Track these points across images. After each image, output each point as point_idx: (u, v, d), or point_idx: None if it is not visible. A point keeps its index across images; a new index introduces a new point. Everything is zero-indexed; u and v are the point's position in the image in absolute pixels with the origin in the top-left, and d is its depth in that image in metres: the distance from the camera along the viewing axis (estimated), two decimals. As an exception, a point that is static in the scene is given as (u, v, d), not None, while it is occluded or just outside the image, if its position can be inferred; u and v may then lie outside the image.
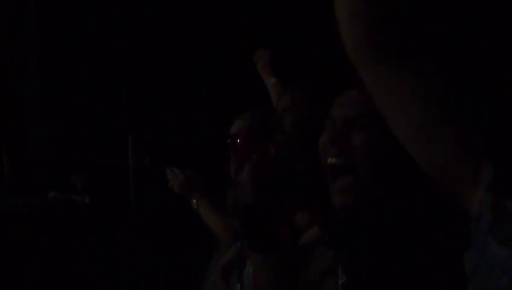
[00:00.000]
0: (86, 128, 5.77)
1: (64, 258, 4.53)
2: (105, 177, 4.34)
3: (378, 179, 0.90)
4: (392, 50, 0.64)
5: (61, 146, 5.84)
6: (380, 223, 0.89)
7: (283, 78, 2.01)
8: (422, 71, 0.64)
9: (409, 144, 0.65)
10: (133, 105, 5.71)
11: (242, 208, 1.11)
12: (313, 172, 1.06)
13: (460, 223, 0.63)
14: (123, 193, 4.30)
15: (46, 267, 4.27)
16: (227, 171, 1.57)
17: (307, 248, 1.13)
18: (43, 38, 5.78)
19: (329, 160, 0.93)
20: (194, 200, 1.80)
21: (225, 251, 1.70)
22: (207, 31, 5.07)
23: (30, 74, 6.00)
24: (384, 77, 0.65)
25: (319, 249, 1.10)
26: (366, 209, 0.91)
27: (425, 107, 0.63)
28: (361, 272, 0.89)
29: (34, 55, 5.90)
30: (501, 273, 0.55)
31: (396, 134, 0.66)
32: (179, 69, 5.45)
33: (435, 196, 0.67)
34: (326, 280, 1.09)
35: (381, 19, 0.64)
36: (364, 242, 0.90)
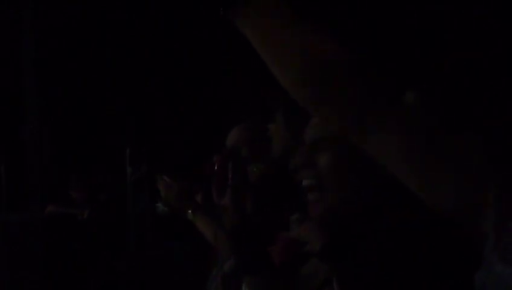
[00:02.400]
0: (83, 141, 5.76)
1: (63, 271, 4.51)
2: (103, 190, 4.34)
3: (346, 195, 0.93)
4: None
5: (59, 159, 5.83)
6: (373, 235, 0.89)
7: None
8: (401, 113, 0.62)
9: (406, 180, 0.64)
10: (129, 117, 5.71)
11: (229, 232, 1.12)
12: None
13: (467, 243, 0.63)
14: (121, 206, 4.29)
15: (44, 280, 4.25)
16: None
17: (299, 263, 1.13)
18: (40, 50, 5.78)
19: (303, 182, 0.98)
20: (190, 212, 1.77)
21: (224, 260, 1.69)
22: (203, 41, 5.08)
23: (27, 86, 6.00)
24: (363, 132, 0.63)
25: (312, 262, 1.10)
26: (353, 222, 0.92)
27: (416, 144, 0.62)
28: (356, 284, 0.89)
29: (30, 67, 5.90)
30: None
31: (390, 170, 0.64)
32: (174, 77, 5.46)
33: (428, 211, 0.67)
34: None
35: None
36: (357, 254, 0.90)
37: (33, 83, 5.92)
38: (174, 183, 1.77)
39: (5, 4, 5.74)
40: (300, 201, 1.23)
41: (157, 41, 5.48)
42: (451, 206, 0.61)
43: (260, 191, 1.36)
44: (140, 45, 5.53)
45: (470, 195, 0.60)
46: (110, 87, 5.72)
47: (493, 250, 0.58)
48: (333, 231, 1.01)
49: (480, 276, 0.60)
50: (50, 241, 4.39)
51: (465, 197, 0.60)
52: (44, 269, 4.29)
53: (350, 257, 0.93)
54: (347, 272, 0.94)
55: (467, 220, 0.62)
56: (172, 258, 4.99)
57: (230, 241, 1.11)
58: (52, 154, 5.96)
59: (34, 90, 5.91)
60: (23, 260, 4.20)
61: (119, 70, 5.62)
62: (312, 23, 0.59)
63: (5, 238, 4.24)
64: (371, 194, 0.91)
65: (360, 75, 0.62)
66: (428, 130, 0.62)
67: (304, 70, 0.61)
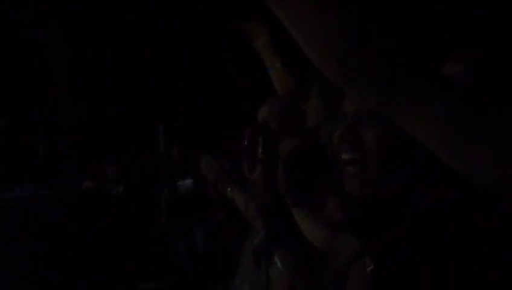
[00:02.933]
0: (116, 118, 5.84)
1: (97, 245, 4.63)
2: (137, 166, 4.41)
3: (388, 171, 0.91)
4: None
5: (93, 137, 5.94)
6: (407, 212, 0.88)
7: (288, 62, 1.83)
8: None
9: (444, 155, 0.63)
10: (162, 93, 5.75)
11: (258, 207, 1.12)
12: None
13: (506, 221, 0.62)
14: (155, 181, 4.37)
15: (78, 256, 4.37)
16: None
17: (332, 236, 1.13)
18: (71, 33, 5.85)
19: (342, 156, 0.95)
20: (229, 189, 1.80)
21: (256, 234, 1.72)
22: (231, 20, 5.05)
23: (58, 68, 6.10)
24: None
25: (345, 236, 1.10)
26: (385, 199, 0.91)
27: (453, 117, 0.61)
28: (388, 259, 0.89)
29: (61, 50, 5.99)
30: None
31: (428, 145, 0.63)
32: (205, 55, 5.46)
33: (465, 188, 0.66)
34: (353, 266, 1.09)
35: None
36: (388, 229, 0.90)
37: (65, 65, 6.02)
38: (214, 162, 1.80)
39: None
40: (333, 175, 1.22)
41: (190, 20, 5.47)
42: (488, 179, 0.61)
43: (291, 164, 1.35)
44: (172, 24, 5.54)
45: (508, 168, 0.59)
46: (143, 64, 5.76)
47: None
48: (367, 206, 1.01)
49: None
50: (86, 215, 4.51)
51: (503, 170, 0.60)
52: (80, 243, 4.42)
53: (382, 233, 0.93)
54: (379, 247, 0.94)
55: (504, 193, 0.61)
56: (204, 234, 5.06)
57: (260, 215, 1.12)
58: (87, 131, 6.08)
59: (66, 70, 6.01)
60: (61, 235, 4.33)
61: (153, 48, 5.65)
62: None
63: (44, 214, 4.37)
64: (408, 172, 0.90)
65: (395, 50, 0.61)
66: (466, 104, 0.61)
67: (335, 46, 0.61)
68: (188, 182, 4.58)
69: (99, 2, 5.64)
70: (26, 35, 6.00)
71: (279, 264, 1.37)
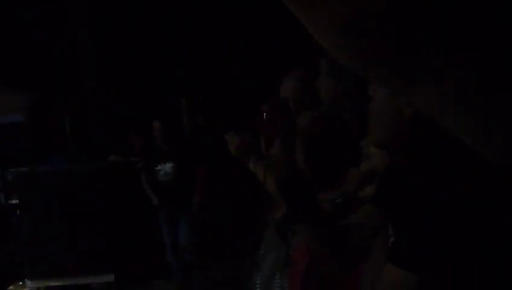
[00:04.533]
0: (140, 94, 5.88)
1: (123, 221, 4.71)
2: (160, 141, 4.44)
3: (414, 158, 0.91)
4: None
5: (118, 112, 6.01)
6: (426, 183, 0.89)
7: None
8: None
9: (464, 136, 0.63)
10: (185, 69, 5.76)
11: (278, 182, 1.12)
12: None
13: None
14: (179, 155, 4.40)
15: (106, 229, 4.47)
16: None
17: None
18: (94, 13, 5.86)
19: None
20: (251, 163, 1.81)
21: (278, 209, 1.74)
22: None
23: (84, 48, 6.15)
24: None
25: (368, 208, 1.11)
26: (407, 170, 0.91)
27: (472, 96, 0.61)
28: (409, 232, 0.89)
29: (85, 30, 6.02)
30: None
31: (447, 125, 0.64)
32: (226, 31, 5.43)
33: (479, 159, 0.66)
34: (376, 236, 1.10)
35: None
36: (411, 201, 0.90)
37: (89, 45, 6.06)
38: (236, 136, 1.81)
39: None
40: (353, 150, 1.23)
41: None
42: (500, 153, 0.61)
43: (311, 140, 1.36)
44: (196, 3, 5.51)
45: None
46: (165, 41, 5.76)
47: None
48: (394, 183, 1.01)
49: None
50: (112, 187, 4.60)
51: None
52: (107, 214, 4.51)
53: (404, 206, 0.94)
54: (401, 219, 0.95)
55: None
56: (228, 207, 5.10)
57: (279, 190, 1.12)
58: (112, 108, 6.15)
59: (90, 51, 6.05)
60: (87, 209, 4.43)
61: (174, 26, 5.64)
62: None
63: (73, 186, 4.47)
64: (434, 166, 0.90)
65: (413, 30, 0.60)
66: (485, 84, 0.61)
67: (346, 23, 0.61)
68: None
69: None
70: (49, 17, 6.05)
71: (299, 238, 1.39)
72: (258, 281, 1.84)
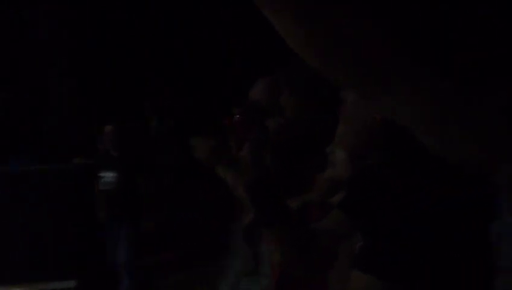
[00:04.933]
0: (108, 95, 5.81)
1: (85, 226, 4.60)
2: (131, 137, 4.36)
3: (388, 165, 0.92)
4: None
5: (86, 114, 5.91)
6: (394, 188, 0.89)
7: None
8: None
9: (428, 140, 0.64)
10: (154, 70, 5.72)
11: (247, 185, 1.11)
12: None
13: (484, 196, 0.64)
14: (146, 158, 4.35)
15: (67, 234, 4.38)
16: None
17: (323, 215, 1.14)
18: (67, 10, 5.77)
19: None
20: (220, 168, 1.78)
21: (245, 213, 1.72)
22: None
23: (51, 43, 6.03)
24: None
25: (336, 214, 1.11)
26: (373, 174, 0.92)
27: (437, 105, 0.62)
28: (381, 238, 0.89)
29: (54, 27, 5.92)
30: None
31: (413, 130, 0.65)
32: (195, 33, 5.41)
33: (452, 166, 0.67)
34: (343, 242, 1.10)
35: None
36: (384, 207, 0.90)
37: (57, 42, 5.96)
38: (205, 141, 1.78)
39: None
40: (320, 157, 1.22)
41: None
42: (470, 161, 0.62)
43: (281, 146, 1.35)
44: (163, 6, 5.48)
45: (487, 151, 0.61)
46: (135, 41, 5.71)
47: (506, 202, 0.60)
48: (358, 188, 1.01)
49: (496, 226, 0.63)
50: (73, 190, 4.51)
51: (483, 153, 0.61)
52: (69, 219, 4.43)
53: (372, 213, 0.94)
54: (369, 227, 0.95)
55: (484, 173, 0.63)
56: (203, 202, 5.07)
57: (248, 194, 1.11)
58: (80, 110, 6.04)
59: (58, 47, 5.95)
60: (50, 211, 4.34)
61: (145, 25, 5.59)
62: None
63: (34, 189, 4.37)
64: (411, 171, 0.90)
65: (383, 38, 0.61)
66: (448, 93, 0.62)
67: (316, 33, 0.60)
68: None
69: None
70: (20, 13, 5.92)
71: (267, 243, 1.38)
72: (224, 289, 1.82)
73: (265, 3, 0.58)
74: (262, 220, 1.11)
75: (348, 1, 0.58)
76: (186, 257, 4.87)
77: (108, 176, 3.91)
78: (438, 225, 0.82)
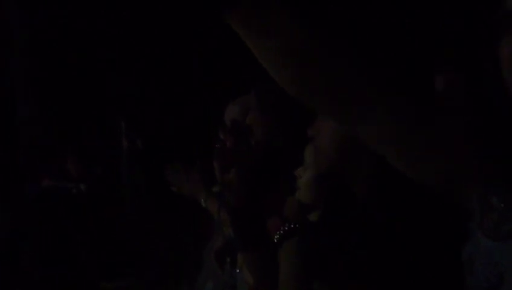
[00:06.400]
0: (77, 114, 5.73)
1: (58, 244, 4.53)
2: (98, 163, 4.33)
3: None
4: None
5: (53, 133, 5.81)
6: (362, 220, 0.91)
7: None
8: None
9: (397, 163, 0.66)
10: (125, 88, 5.67)
11: (231, 210, 1.11)
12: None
13: (455, 219, 0.66)
14: (117, 179, 4.30)
15: (40, 254, 4.29)
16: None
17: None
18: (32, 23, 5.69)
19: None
20: (202, 200, 1.73)
21: (220, 234, 1.71)
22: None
23: (16, 63, 5.93)
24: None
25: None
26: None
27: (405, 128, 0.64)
28: (348, 255, 0.90)
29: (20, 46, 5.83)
30: (487, 263, 0.59)
31: (381, 152, 0.67)
32: (168, 51, 5.40)
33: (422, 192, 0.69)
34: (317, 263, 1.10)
35: None
36: (340, 231, 0.91)
37: (23, 62, 5.87)
38: (186, 174, 1.73)
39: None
40: (289, 181, 1.23)
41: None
42: (439, 183, 0.64)
43: (246, 169, 1.34)
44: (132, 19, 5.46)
45: (457, 173, 0.63)
46: (105, 58, 5.65)
47: (478, 225, 0.62)
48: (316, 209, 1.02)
49: (467, 249, 0.64)
50: (45, 215, 4.42)
51: (452, 175, 0.63)
52: (40, 242, 4.33)
53: (332, 234, 0.94)
54: (330, 248, 0.95)
55: (454, 196, 0.65)
56: (170, 231, 5.02)
57: (232, 218, 1.11)
58: (46, 129, 5.94)
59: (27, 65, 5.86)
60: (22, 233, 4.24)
61: (115, 40, 5.55)
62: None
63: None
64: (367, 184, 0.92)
65: (349, 61, 0.63)
66: (416, 116, 0.64)
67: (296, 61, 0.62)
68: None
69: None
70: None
71: (242, 266, 1.37)
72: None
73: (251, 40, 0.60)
74: (241, 243, 1.11)
75: (327, 37, 0.60)
76: (159, 279, 4.80)
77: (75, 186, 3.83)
78: (408, 245, 0.84)
